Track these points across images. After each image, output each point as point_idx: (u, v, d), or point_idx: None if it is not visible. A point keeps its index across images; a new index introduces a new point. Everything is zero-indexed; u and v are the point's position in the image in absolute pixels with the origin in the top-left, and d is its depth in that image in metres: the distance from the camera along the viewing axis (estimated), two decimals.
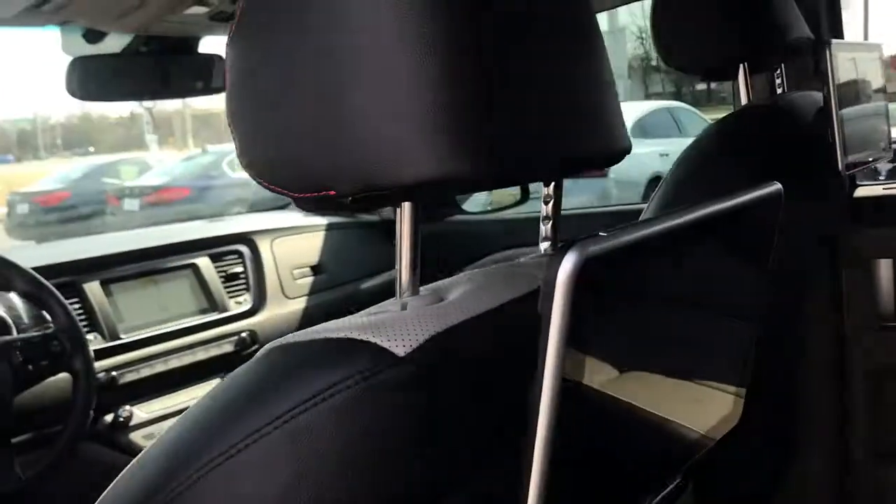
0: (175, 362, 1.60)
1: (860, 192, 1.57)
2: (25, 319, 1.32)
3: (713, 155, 1.09)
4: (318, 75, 0.48)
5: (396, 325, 0.49)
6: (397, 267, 0.55)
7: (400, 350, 0.47)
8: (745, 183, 1.10)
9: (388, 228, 2.02)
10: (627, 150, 0.60)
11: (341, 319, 0.51)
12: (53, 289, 1.32)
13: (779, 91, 1.34)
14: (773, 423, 1.50)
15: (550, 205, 0.64)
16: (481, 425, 0.50)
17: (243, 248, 1.79)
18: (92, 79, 1.36)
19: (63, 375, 1.33)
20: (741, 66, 1.19)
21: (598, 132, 0.57)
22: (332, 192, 0.50)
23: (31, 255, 1.65)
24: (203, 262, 1.71)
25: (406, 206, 0.54)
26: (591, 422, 0.49)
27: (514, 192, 2.06)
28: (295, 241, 1.90)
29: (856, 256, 1.54)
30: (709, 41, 1.12)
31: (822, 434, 1.57)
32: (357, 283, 1.99)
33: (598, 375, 0.47)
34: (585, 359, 0.45)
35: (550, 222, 0.64)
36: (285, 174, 0.52)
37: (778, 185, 0.58)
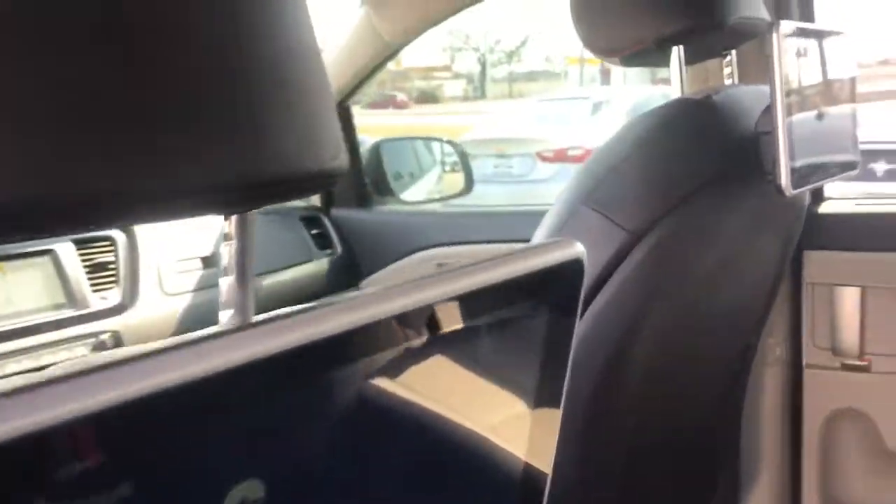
0: (13, 366, 1.35)
1: (826, 207, 1.33)
2: None
3: (620, 159, 0.86)
4: None
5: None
6: None
7: None
8: (654, 192, 0.87)
9: (309, 217, 1.78)
10: (336, 173, 0.37)
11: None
12: None
13: (728, 82, 1.10)
14: (720, 464, 1.30)
15: (233, 249, 0.39)
16: None
17: (117, 235, 1.53)
18: None
19: None
20: (675, 49, 0.95)
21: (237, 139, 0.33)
22: None
23: None
24: (64, 249, 1.46)
25: None
26: None
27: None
28: (185, 229, 1.65)
29: (818, 282, 1.32)
30: (631, 16, 0.89)
31: (772, 477, 1.39)
32: (258, 279, 1.74)
33: None
34: None
35: (233, 277, 0.40)
36: None
37: (579, 248, 0.36)
